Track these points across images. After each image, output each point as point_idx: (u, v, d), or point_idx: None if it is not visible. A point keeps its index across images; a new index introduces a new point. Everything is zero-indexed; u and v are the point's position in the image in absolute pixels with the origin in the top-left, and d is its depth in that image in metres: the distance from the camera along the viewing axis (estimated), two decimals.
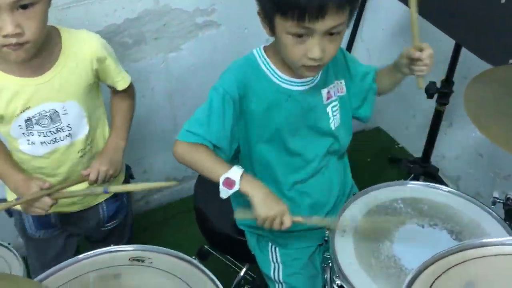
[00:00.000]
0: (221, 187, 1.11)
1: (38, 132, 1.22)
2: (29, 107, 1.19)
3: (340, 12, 1.02)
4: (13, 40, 1.05)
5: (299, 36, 1.04)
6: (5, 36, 1.05)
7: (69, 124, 1.25)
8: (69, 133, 1.26)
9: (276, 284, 1.33)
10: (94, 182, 1.30)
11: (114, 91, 1.39)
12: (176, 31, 1.79)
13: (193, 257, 1.16)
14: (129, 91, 1.40)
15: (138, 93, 1.85)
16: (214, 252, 1.83)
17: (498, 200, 1.35)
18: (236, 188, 1.10)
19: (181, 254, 1.14)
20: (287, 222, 1.11)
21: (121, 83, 1.34)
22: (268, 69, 1.18)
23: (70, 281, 1.07)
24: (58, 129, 1.24)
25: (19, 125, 1.21)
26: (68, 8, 1.56)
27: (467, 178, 2.15)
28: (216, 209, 1.51)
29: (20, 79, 1.17)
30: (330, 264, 1.20)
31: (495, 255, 0.93)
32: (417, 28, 1.18)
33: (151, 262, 1.13)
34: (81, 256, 1.13)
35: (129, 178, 1.54)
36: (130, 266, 1.12)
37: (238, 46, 1.88)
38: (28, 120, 1.20)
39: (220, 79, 1.16)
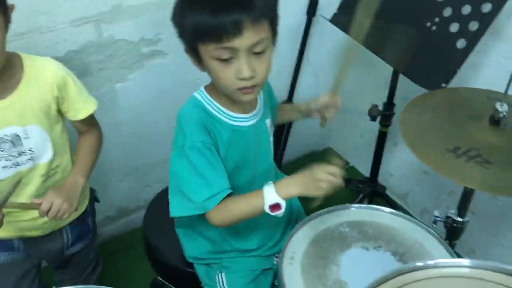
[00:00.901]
0: (273, 214, 1.11)
1: None
2: None
3: (257, 27, 1.02)
4: None
5: (225, 60, 1.05)
6: None
7: (31, 148, 1.24)
8: (32, 157, 1.26)
9: None
10: (45, 214, 1.24)
11: (81, 128, 1.37)
12: (122, 62, 1.78)
13: None
14: (94, 124, 1.40)
15: None
16: (168, 283, 1.81)
17: (438, 219, 1.41)
18: (283, 204, 1.10)
19: None
20: (332, 170, 1.11)
21: (84, 112, 1.33)
22: (215, 110, 1.17)
23: None
24: (20, 153, 1.23)
25: None
26: (9, 42, 1.53)
27: (414, 195, 2.22)
28: (165, 241, 1.49)
29: None
30: None
31: (432, 277, 0.96)
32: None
33: None
34: None
35: (93, 201, 1.53)
36: None
37: (185, 74, 1.88)
38: None
39: (185, 137, 1.13)
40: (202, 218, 1.29)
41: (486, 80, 1.67)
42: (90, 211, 1.50)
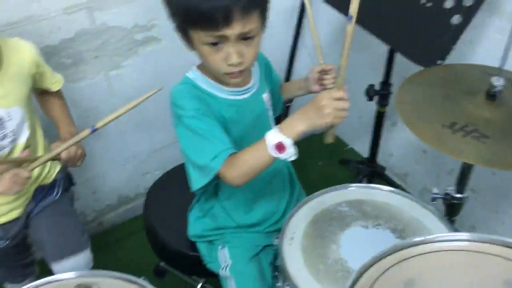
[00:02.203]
0: (283, 157, 1.05)
1: None
2: None
3: (247, 16, 1.03)
4: None
5: (214, 44, 1.06)
6: None
7: (13, 130, 1.27)
8: (13, 138, 1.28)
9: (228, 280, 1.33)
10: (66, 162, 1.30)
11: (44, 95, 1.44)
12: (115, 49, 1.77)
13: (143, 277, 1.15)
14: (60, 92, 1.48)
15: (82, 113, 1.83)
16: (171, 269, 1.82)
17: (437, 196, 1.41)
18: (288, 142, 1.03)
19: (128, 276, 1.13)
20: (337, 95, 1.04)
21: (57, 84, 1.43)
22: (209, 86, 1.19)
23: None
24: (4, 135, 1.25)
25: None
26: (1, 31, 1.52)
27: (414, 175, 2.22)
28: (167, 226, 1.50)
29: None
30: (281, 272, 1.22)
31: (432, 251, 0.96)
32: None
33: None
34: None
35: (67, 171, 1.54)
36: None
37: (180, 59, 1.85)
38: None
39: (181, 111, 1.14)
40: (209, 195, 1.31)
41: (481, 56, 1.66)
42: (60, 182, 1.48)
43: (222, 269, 1.33)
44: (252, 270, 1.31)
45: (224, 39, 1.05)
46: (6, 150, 1.28)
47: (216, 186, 1.31)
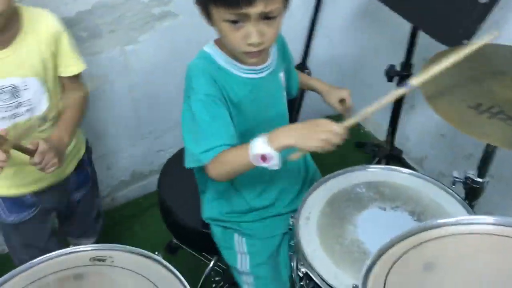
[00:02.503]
0: (268, 166, 1.05)
1: None
2: None
3: None
4: None
5: (235, 22, 1.04)
6: None
7: (29, 99, 1.27)
8: (29, 108, 1.27)
9: (243, 276, 1.33)
10: (35, 164, 1.23)
11: (65, 83, 1.37)
12: (132, 23, 1.75)
13: (156, 252, 1.14)
14: (82, 85, 1.39)
15: (98, 87, 1.82)
16: (183, 246, 1.82)
17: (458, 180, 1.38)
18: (273, 154, 1.02)
19: (143, 251, 1.12)
20: (339, 129, 1.04)
21: (73, 69, 1.34)
22: (226, 63, 1.16)
23: (28, 285, 1.04)
24: (19, 104, 1.25)
25: None
26: (17, 2, 1.51)
27: (430, 159, 2.19)
28: (181, 204, 1.49)
29: None
30: (296, 252, 1.21)
31: (453, 234, 0.94)
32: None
33: (112, 261, 1.10)
34: (37, 259, 1.09)
35: (90, 149, 1.57)
36: (91, 266, 1.09)
37: (197, 36, 1.82)
38: None
39: (192, 90, 1.13)
40: None
41: (508, 36, 1.60)
42: (87, 160, 1.53)
43: (240, 262, 1.33)
44: (271, 271, 1.31)
45: (245, 17, 1.02)
46: (23, 118, 1.28)
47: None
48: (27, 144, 1.21)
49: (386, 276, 0.86)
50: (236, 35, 1.06)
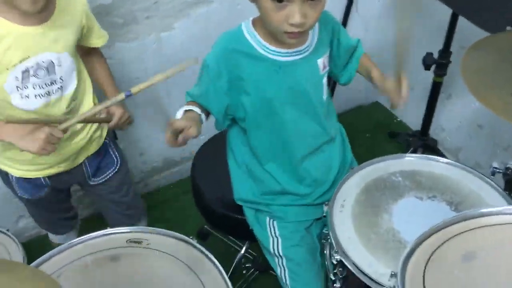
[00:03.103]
0: None
1: (33, 85, 1.25)
2: (28, 56, 1.22)
3: None
4: None
5: (280, 1, 1.03)
6: None
7: (61, 76, 1.29)
8: (61, 86, 1.30)
9: (276, 259, 1.33)
10: (114, 127, 1.40)
11: (89, 54, 1.44)
12: (167, 10, 1.75)
13: (191, 237, 1.15)
14: (102, 54, 1.49)
15: (131, 74, 1.84)
16: (214, 232, 1.84)
17: (497, 170, 1.34)
18: None
19: (178, 235, 1.13)
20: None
21: (103, 39, 1.43)
22: (255, 41, 1.16)
23: (66, 266, 1.07)
24: (52, 81, 1.28)
25: (16, 77, 1.23)
26: None
27: (467, 150, 2.13)
28: (213, 189, 1.50)
29: (23, 28, 1.21)
30: (329, 240, 1.20)
31: (495, 224, 0.91)
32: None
33: (148, 244, 1.12)
34: (75, 240, 1.12)
35: (113, 134, 1.60)
36: (127, 248, 1.12)
37: (231, 22, 1.79)
38: (25, 71, 1.23)
39: (211, 50, 1.20)
40: (251, 155, 1.30)
41: None
42: (110, 143, 1.54)
43: (272, 245, 1.32)
44: (304, 253, 1.30)
45: None
46: (54, 97, 1.29)
47: (253, 149, 1.29)
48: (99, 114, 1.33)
49: (426, 265, 0.84)
50: (279, 14, 1.05)
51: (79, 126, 1.38)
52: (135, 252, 1.11)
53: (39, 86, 1.25)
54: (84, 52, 1.43)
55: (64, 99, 1.32)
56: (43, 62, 1.24)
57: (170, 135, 1.09)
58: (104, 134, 1.50)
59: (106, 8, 1.64)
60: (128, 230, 1.15)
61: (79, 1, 1.31)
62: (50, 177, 1.43)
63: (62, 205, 1.60)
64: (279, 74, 1.17)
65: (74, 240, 1.12)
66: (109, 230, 1.14)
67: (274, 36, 1.13)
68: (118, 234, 1.14)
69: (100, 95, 1.48)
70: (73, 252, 1.11)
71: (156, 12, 1.74)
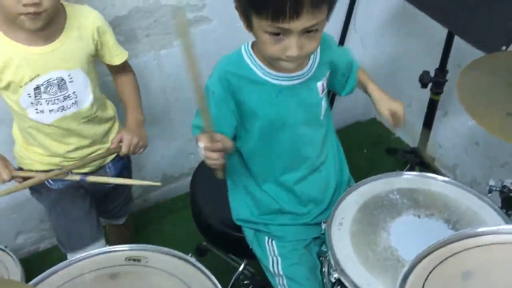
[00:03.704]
0: None
1: (46, 100, 1.29)
2: (38, 75, 1.26)
3: (316, 11, 1.00)
4: (32, 9, 1.15)
5: (276, 34, 1.03)
6: (24, 5, 1.14)
7: (75, 92, 1.32)
8: (75, 101, 1.33)
9: (277, 278, 1.33)
10: (126, 154, 1.41)
11: (115, 71, 1.48)
12: (167, 28, 1.78)
13: (190, 254, 1.15)
14: (128, 67, 1.50)
15: None
16: (212, 248, 1.83)
17: (494, 188, 1.35)
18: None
19: (177, 253, 1.14)
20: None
21: (119, 58, 1.43)
22: (255, 65, 1.17)
23: (65, 283, 1.07)
24: (65, 96, 1.31)
25: (28, 94, 1.27)
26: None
27: (463, 167, 2.15)
28: (212, 206, 1.50)
29: (29, 48, 1.25)
30: (328, 258, 1.20)
31: (492, 244, 0.92)
32: None
33: (147, 262, 1.12)
34: (74, 258, 1.12)
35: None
36: (126, 266, 1.12)
37: (230, 40, 1.85)
38: (37, 88, 1.27)
39: (210, 76, 1.18)
40: (248, 176, 1.30)
41: None
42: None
43: (272, 265, 1.33)
44: (304, 271, 1.30)
45: (287, 31, 1.02)
46: (69, 112, 1.33)
47: (249, 171, 1.30)
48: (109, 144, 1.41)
49: (423, 284, 0.85)
50: (275, 47, 1.05)
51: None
52: (134, 270, 1.11)
53: (52, 101, 1.30)
54: (113, 72, 1.48)
55: (81, 112, 1.36)
56: (53, 79, 1.28)
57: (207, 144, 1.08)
58: None
59: None
60: (127, 248, 1.15)
61: (90, 16, 1.34)
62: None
63: (86, 203, 1.54)
64: (279, 98, 1.18)
65: (73, 258, 1.12)
66: (108, 248, 1.14)
67: (272, 62, 1.14)
68: (117, 251, 1.14)
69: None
70: (72, 269, 1.11)
71: (156, 30, 1.76)
